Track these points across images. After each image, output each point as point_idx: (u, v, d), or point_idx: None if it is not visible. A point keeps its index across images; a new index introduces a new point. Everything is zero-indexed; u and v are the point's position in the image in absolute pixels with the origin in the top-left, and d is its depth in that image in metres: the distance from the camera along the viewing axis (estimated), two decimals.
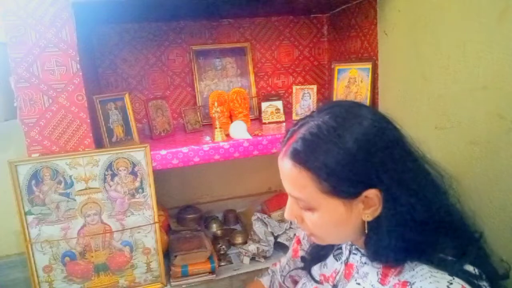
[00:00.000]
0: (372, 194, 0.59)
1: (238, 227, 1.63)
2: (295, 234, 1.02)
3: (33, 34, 1.06)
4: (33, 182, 1.08)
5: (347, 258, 0.73)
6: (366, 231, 0.63)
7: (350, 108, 0.64)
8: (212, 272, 1.24)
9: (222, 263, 1.32)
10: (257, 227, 1.39)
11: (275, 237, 1.38)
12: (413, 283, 0.58)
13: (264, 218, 1.42)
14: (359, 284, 0.68)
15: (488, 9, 0.87)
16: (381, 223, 0.61)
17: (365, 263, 0.68)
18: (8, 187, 1.06)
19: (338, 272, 0.74)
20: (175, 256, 1.25)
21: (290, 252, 1.00)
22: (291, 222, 1.45)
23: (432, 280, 0.56)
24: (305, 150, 0.60)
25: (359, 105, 0.66)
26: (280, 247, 1.37)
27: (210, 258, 1.26)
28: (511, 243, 0.87)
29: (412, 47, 1.15)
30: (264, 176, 1.79)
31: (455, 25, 0.98)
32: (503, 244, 0.88)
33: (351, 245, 0.73)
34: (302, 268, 0.87)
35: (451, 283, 0.55)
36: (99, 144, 1.19)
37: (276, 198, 1.63)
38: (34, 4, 1.05)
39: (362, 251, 0.69)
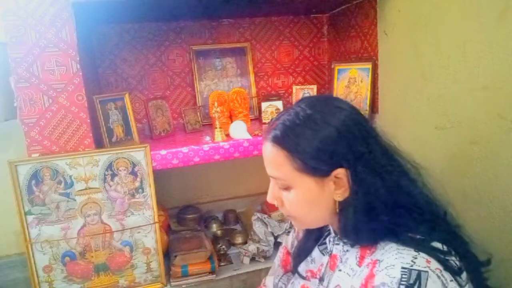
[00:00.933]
0: (341, 174, 0.65)
1: (238, 227, 1.63)
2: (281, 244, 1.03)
3: (33, 34, 1.06)
4: (33, 182, 1.08)
5: (331, 250, 0.76)
6: (337, 210, 0.68)
7: (328, 100, 0.73)
8: (212, 272, 1.25)
9: (222, 263, 1.32)
10: (257, 227, 1.39)
11: (275, 237, 1.38)
12: (382, 260, 0.61)
13: (264, 218, 1.42)
14: (340, 270, 0.71)
15: (488, 9, 0.87)
16: (349, 204, 0.66)
17: (347, 250, 0.71)
18: (8, 187, 1.06)
19: (323, 265, 0.77)
20: (175, 256, 1.25)
21: (277, 264, 0.99)
22: (291, 222, 1.45)
23: (397, 256, 0.59)
24: (282, 132, 0.67)
25: (338, 99, 0.74)
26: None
27: (210, 258, 1.26)
28: (511, 243, 0.87)
29: (412, 47, 1.15)
30: (264, 176, 1.77)
31: (455, 25, 0.98)
32: (503, 244, 0.88)
33: (334, 236, 0.76)
34: (290, 270, 0.88)
35: (416, 258, 0.58)
36: (99, 144, 1.19)
37: None
38: (34, 4, 1.05)
39: (344, 239, 0.72)
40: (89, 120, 1.13)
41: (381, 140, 0.70)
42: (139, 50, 1.55)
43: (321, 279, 0.77)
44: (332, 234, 0.77)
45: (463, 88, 0.96)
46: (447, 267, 0.59)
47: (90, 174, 1.12)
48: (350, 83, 1.44)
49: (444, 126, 1.03)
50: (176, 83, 1.62)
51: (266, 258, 1.34)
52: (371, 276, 0.61)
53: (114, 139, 1.21)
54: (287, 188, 0.69)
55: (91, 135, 1.14)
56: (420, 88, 1.12)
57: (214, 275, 1.25)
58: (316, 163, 0.65)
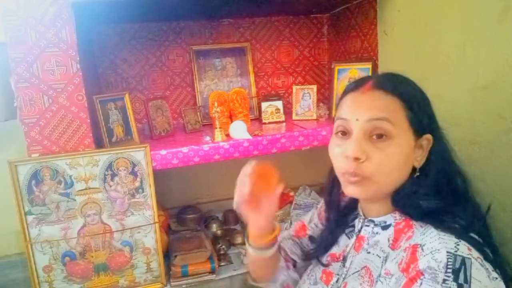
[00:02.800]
0: (428, 140, 0.67)
1: (238, 227, 1.63)
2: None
3: (33, 34, 1.06)
4: (33, 182, 1.08)
5: (359, 231, 0.75)
6: (417, 174, 0.68)
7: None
8: (212, 272, 1.24)
9: (222, 263, 1.32)
10: None
11: None
12: (424, 245, 0.60)
13: None
14: (369, 252, 0.70)
15: (488, 9, 0.87)
16: (423, 173, 0.67)
17: (377, 233, 0.71)
18: (8, 187, 1.06)
19: (348, 246, 0.76)
20: (175, 256, 1.25)
21: (290, 231, 0.99)
22: (291, 222, 1.45)
23: (440, 241, 0.59)
24: (395, 83, 0.69)
25: None
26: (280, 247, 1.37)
27: (210, 258, 1.26)
28: (511, 243, 0.87)
29: (412, 47, 1.15)
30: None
31: (455, 25, 0.98)
32: (503, 244, 0.88)
33: (364, 218, 0.75)
34: (307, 258, 0.87)
35: (458, 244, 0.58)
36: (99, 144, 1.19)
37: None
38: (34, 4, 1.05)
39: (376, 221, 0.72)
40: (89, 120, 1.13)
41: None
42: (139, 50, 1.55)
43: (344, 260, 0.76)
44: (362, 216, 0.76)
45: (463, 88, 0.96)
46: (487, 257, 0.59)
47: (90, 174, 1.12)
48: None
49: (444, 126, 1.03)
50: (176, 83, 1.62)
51: None
52: (413, 260, 0.59)
53: (114, 139, 1.21)
54: (385, 137, 0.65)
55: (91, 135, 1.14)
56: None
57: (214, 275, 1.25)
58: (424, 120, 0.67)
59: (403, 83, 0.70)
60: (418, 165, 0.67)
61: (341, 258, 0.77)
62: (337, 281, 0.74)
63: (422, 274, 0.57)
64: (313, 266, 0.84)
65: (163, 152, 1.18)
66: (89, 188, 1.13)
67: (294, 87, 1.56)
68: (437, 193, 0.66)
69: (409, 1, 1.16)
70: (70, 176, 1.11)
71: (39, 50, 1.07)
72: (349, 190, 0.69)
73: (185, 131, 1.50)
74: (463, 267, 0.55)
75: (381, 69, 1.33)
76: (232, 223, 1.65)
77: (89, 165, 1.12)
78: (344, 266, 0.75)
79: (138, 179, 1.17)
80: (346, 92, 0.73)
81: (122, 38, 1.53)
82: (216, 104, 1.39)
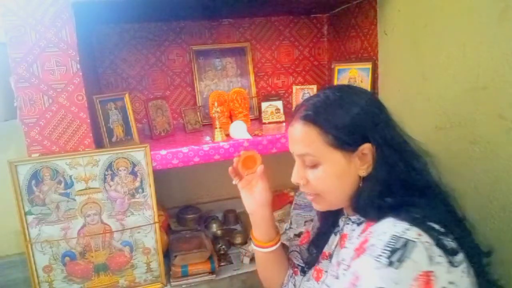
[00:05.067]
0: (367, 149, 0.71)
1: (238, 227, 1.63)
2: (301, 232, 1.08)
3: (33, 34, 1.06)
4: (33, 182, 1.08)
5: (342, 229, 0.80)
6: (360, 184, 0.73)
7: (351, 85, 0.83)
8: (212, 272, 1.24)
9: (222, 263, 1.32)
10: None
11: None
12: (376, 230, 0.66)
13: None
14: (347, 248, 0.76)
15: (488, 9, 0.87)
16: (371, 179, 0.72)
17: (353, 229, 0.76)
18: (8, 187, 1.06)
19: (333, 244, 0.83)
20: (175, 256, 1.25)
21: (297, 242, 1.05)
22: (291, 222, 1.45)
23: (391, 226, 0.64)
24: (315, 111, 0.74)
25: (358, 86, 0.84)
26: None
27: (210, 258, 1.26)
28: (511, 243, 0.87)
29: (412, 47, 1.15)
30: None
31: (455, 25, 0.98)
32: (503, 244, 0.88)
33: (346, 217, 0.81)
34: (309, 264, 0.92)
35: (408, 229, 0.63)
36: (99, 144, 1.19)
37: (276, 198, 1.63)
38: (34, 4, 1.05)
39: (352, 219, 0.78)
40: (89, 120, 1.13)
41: (396, 125, 0.76)
42: (139, 50, 1.55)
43: (330, 257, 0.82)
44: (345, 215, 0.82)
45: (463, 88, 0.96)
46: (438, 243, 0.62)
47: (90, 174, 1.12)
48: (350, 83, 1.44)
49: (444, 126, 1.04)
50: (176, 83, 1.62)
51: None
52: (365, 241, 0.66)
53: (114, 139, 1.21)
54: (315, 165, 0.74)
55: (91, 135, 1.14)
56: (420, 88, 1.12)
57: (214, 275, 1.25)
58: (347, 138, 0.71)
59: (328, 107, 0.74)
60: (364, 173, 0.73)
61: (329, 256, 0.83)
62: (326, 278, 0.81)
63: (365, 250, 0.64)
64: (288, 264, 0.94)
65: (163, 152, 1.18)
66: (89, 188, 1.13)
67: (294, 87, 1.56)
68: (393, 191, 0.70)
69: (409, 1, 1.16)
70: (70, 176, 1.11)
71: (39, 50, 1.07)
72: (314, 206, 0.81)
73: (185, 131, 1.50)
74: (403, 248, 0.60)
75: (381, 69, 1.33)
76: (232, 223, 1.65)
77: (89, 165, 1.12)
78: (330, 262, 0.81)
79: (138, 179, 1.17)
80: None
81: (122, 38, 1.53)
82: (216, 104, 1.39)
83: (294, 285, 0.94)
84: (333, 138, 0.71)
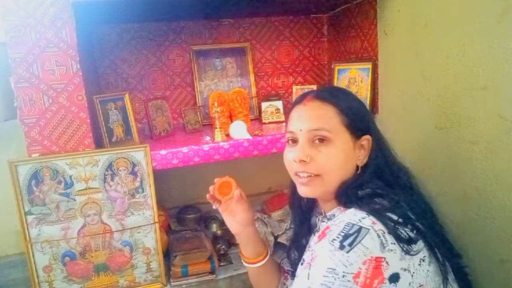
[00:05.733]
0: (367, 139, 0.78)
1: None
2: None
3: (33, 34, 1.06)
4: (33, 182, 1.08)
5: (318, 228, 0.83)
6: (359, 171, 0.78)
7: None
8: (212, 272, 1.24)
9: (222, 263, 1.32)
10: (257, 227, 1.38)
11: (275, 237, 1.38)
12: (338, 219, 0.71)
13: (264, 218, 1.42)
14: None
15: (488, 9, 0.87)
16: (366, 169, 0.78)
17: (325, 222, 0.79)
18: (8, 187, 1.06)
19: (312, 242, 0.84)
20: (175, 256, 1.25)
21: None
22: (291, 222, 1.45)
23: (349, 215, 0.69)
24: (331, 93, 0.80)
25: None
26: (280, 247, 1.37)
27: (210, 258, 1.26)
28: (511, 243, 0.87)
29: (412, 47, 1.15)
30: (264, 176, 1.79)
31: (455, 25, 0.98)
32: (503, 244, 0.88)
33: (323, 216, 0.85)
34: (293, 266, 0.97)
35: (364, 218, 0.67)
36: (99, 144, 1.19)
37: (276, 198, 1.63)
38: (34, 4, 1.05)
39: (328, 215, 0.81)
40: (89, 120, 1.13)
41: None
42: (139, 50, 1.55)
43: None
44: (322, 214, 0.87)
45: (463, 88, 0.96)
46: (391, 231, 0.66)
47: (90, 174, 1.12)
48: (350, 83, 1.44)
49: (444, 126, 1.03)
50: (176, 83, 1.62)
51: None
52: (327, 227, 0.70)
53: (114, 139, 1.21)
54: (324, 142, 0.76)
55: (91, 135, 1.14)
56: (420, 88, 1.12)
57: (214, 275, 1.25)
58: (358, 122, 0.77)
59: (339, 93, 0.81)
60: (360, 163, 0.78)
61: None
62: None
63: (325, 235, 0.68)
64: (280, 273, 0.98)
65: (163, 152, 1.18)
66: (89, 188, 1.13)
67: (294, 87, 1.56)
68: (367, 184, 0.76)
69: (409, 1, 1.16)
70: (70, 176, 1.11)
71: (39, 50, 1.07)
72: (302, 190, 0.81)
73: (185, 131, 1.50)
74: (356, 234, 0.65)
75: (381, 69, 1.33)
76: None
77: (89, 165, 1.12)
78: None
79: (138, 179, 1.17)
80: (293, 105, 0.85)
81: (122, 38, 1.53)
82: (216, 104, 1.39)
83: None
84: (348, 120, 0.76)
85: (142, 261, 1.20)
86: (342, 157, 0.76)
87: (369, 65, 1.37)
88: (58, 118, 1.11)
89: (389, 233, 0.65)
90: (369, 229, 0.65)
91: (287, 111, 1.58)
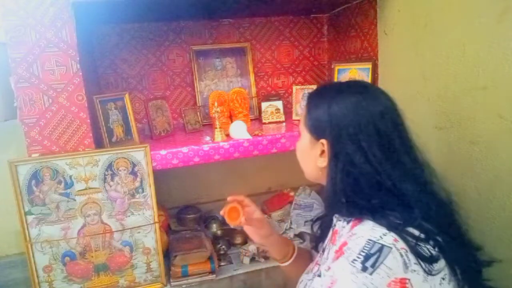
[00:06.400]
0: (323, 144, 0.76)
1: (238, 227, 1.62)
2: (301, 232, 1.12)
3: (33, 34, 1.06)
4: (33, 182, 1.08)
5: (335, 225, 0.81)
6: (326, 176, 0.77)
7: (364, 88, 0.80)
8: (212, 272, 1.24)
9: (222, 263, 1.32)
10: None
11: None
12: (356, 233, 0.68)
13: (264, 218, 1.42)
14: (335, 245, 0.76)
15: (488, 9, 0.87)
16: (328, 174, 0.76)
17: (343, 227, 0.76)
18: (8, 187, 1.06)
19: (328, 238, 0.85)
20: (175, 256, 1.25)
21: None
22: (291, 222, 1.45)
23: (369, 230, 0.66)
24: (314, 93, 0.84)
25: (374, 87, 0.83)
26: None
27: (210, 258, 1.26)
28: (511, 243, 0.87)
29: (412, 47, 1.15)
30: (264, 176, 1.79)
31: (455, 25, 0.98)
32: (503, 244, 0.88)
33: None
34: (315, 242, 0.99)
35: (385, 235, 0.64)
36: (99, 144, 1.19)
37: (276, 198, 1.63)
38: (34, 4, 1.05)
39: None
40: (89, 120, 1.13)
41: (387, 135, 0.73)
42: (139, 50, 1.55)
43: (323, 251, 0.84)
44: None
45: (463, 88, 0.96)
46: (413, 250, 0.63)
47: (90, 174, 1.12)
48: None
49: (444, 126, 1.04)
50: (176, 83, 1.62)
51: (266, 258, 1.34)
52: (344, 244, 0.68)
53: (114, 139, 1.21)
54: (299, 135, 0.84)
55: (91, 135, 1.14)
56: (420, 88, 1.12)
57: (214, 275, 1.25)
58: (312, 126, 0.79)
59: (319, 94, 0.82)
60: (319, 164, 0.78)
61: (323, 250, 0.86)
62: (317, 270, 0.83)
63: (343, 253, 0.66)
64: (312, 263, 0.93)
65: (163, 152, 1.18)
66: (89, 188, 1.13)
67: (294, 87, 1.56)
68: (363, 193, 0.72)
69: (409, 1, 1.16)
70: (70, 176, 1.11)
71: (39, 50, 1.07)
72: None
73: (185, 131, 1.50)
74: (378, 253, 0.62)
75: (381, 69, 1.33)
76: None
77: (89, 165, 1.12)
78: (323, 255, 0.83)
79: (138, 179, 1.17)
80: None
81: (122, 38, 1.53)
82: (216, 104, 1.39)
83: None
84: (308, 121, 0.80)
85: (142, 261, 1.20)
86: (300, 151, 0.85)
87: (369, 65, 1.37)
88: (58, 118, 1.11)
89: (411, 251, 0.63)
90: (391, 247, 0.62)
91: (287, 111, 1.59)
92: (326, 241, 0.85)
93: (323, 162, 0.77)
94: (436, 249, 0.65)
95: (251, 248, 1.34)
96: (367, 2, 1.37)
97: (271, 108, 1.55)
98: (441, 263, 0.65)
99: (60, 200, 1.11)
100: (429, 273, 0.62)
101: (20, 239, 1.11)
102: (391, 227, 0.65)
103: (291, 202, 1.55)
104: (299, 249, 1.02)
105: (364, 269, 0.61)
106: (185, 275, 1.23)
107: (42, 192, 1.09)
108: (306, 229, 1.37)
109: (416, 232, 0.65)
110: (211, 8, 1.39)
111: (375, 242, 0.63)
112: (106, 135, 1.18)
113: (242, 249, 1.35)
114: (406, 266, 0.61)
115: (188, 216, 1.55)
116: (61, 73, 1.10)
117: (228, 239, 1.47)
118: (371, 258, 0.62)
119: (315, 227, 0.98)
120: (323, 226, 0.93)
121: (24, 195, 1.08)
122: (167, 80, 1.61)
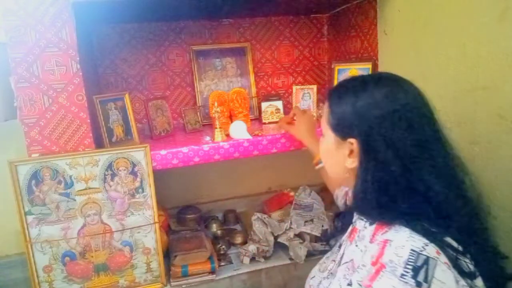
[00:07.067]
0: (351, 142, 0.71)
1: (238, 227, 1.63)
2: (301, 232, 1.12)
3: (33, 34, 1.06)
4: (33, 182, 1.08)
5: (355, 222, 0.79)
6: (356, 177, 0.72)
7: (392, 80, 0.74)
8: (212, 272, 1.24)
9: (222, 263, 1.32)
10: (257, 227, 1.39)
11: (275, 237, 1.38)
12: (392, 240, 0.62)
13: (264, 218, 1.42)
14: (357, 246, 0.74)
15: (488, 9, 0.87)
16: (358, 175, 0.71)
17: (365, 227, 0.73)
18: (8, 187, 1.06)
19: (345, 235, 0.83)
20: (175, 256, 1.25)
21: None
22: (291, 222, 1.45)
23: (409, 239, 0.60)
24: (335, 90, 0.77)
25: (403, 80, 0.75)
26: (280, 247, 1.37)
27: (210, 258, 1.26)
28: (511, 243, 0.87)
29: (412, 47, 1.15)
30: (264, 176, 1.79)
31: (455, 25, 0.98)
32: (503, 244, 0.88)
33: None
34: (332, 234, 1.00)
35: (427, 245, 0.59)
36: (99, 144, 1.19)
37: (276, 198, 1.63)
38: (34, 4, 1.05)
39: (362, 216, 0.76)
40: (89, 120, 1.13)
41: (420, 129, 0.68)
42: (139, 50, 1.55)
43: (340, 246, 0.83)
44: None
45: (463, 88, 0.96)
46: (456, 265, 0.59)
47: (90, 174, 1.12)
48: None
49: (444, 126, 1.03)
50: (176, 83, 1.62)
51: (266, 258, 1.34)
52: (381, 254, 0.62)
53: (114, 139, 1.21)
54: (323, 134, 0.81)
55: (91, 135, 1.14)
56: (420, 88, 1.12)
57: (214, 275, 1.25)
58: (337, 125, 0.74)
59: (341, 90, 0.75)
60: (348, 165, 0.73)
61: (339, 246, 0.84)
62: (332, 267, 0.81)
63: (384, 267, 0.60)
64: (327, 256, 0.90)
65: (163, 152, 1.18)
66: (89, 188, 1.13)
67: (294, 87, 1.56)
68: (395, 195, 0.66)
69: (409, 1, 1.16)
70: (70, 176, 1.11)
71: (39, 50, 1.07)
72: None
73: (185, 131, 1.50)
74: (425, 266, 0.57)
75: (381, 69, 1.33)
76: (232, 223, 1.65)
77: (89, 165, 1.12)
78: (339, 251, 0.82)
79: (138, 179, 1.17)
80: None
81: (122, 38, 1.53)
82: (216, 104, 1.39)
83: None
84: (331, 119, 0.76)
85: (142, 261, 1.20)
86: (325, 152, 0.81)
87: (369, 65, 1.37)
88: (58, 118, 1.11)
89: (454, 267, 0.59)
90: (436, 260, 0.58)
91: (287, 111, 1.59)
92: (343, 237, 0.82)
93: (353, 162, 0.72)
94: (473, 263, 0.62)
95: (251, 248, 1.34)
96: (367, 2, 1.37)
97: (271, 108, 1.55)
98: (479, 280, 0.61)
99: (60, 200, 1.11)
100: None
101: (20, 239, 1.11)
102: (429, 236, 0.60)
103: (291, 202, 1.55)
104: None
105: (418, 284, 0.56)
106: (185, 275, 1.23)
107: (42, 192, 1.09)
108: (306, 229, 1.37)
109: (454, 244, 0.61)
110: (211, 8, 1.39)
111: (419, 254, 0.58)
112: (106, 135, 1.18)
113: (242, 249, 1.35)
114: (456, 280, 0.57)
115: (188, 216, 1.55)
116: (61, 73, 1.10)
117: (228, 239, 1.47)
118: (420, 272, 0.57)
119: (337, 223, 0.93)
120: (344, 221, 0.88)
121: (24, 195, 1.08)
122: (167, 80, 1.61)
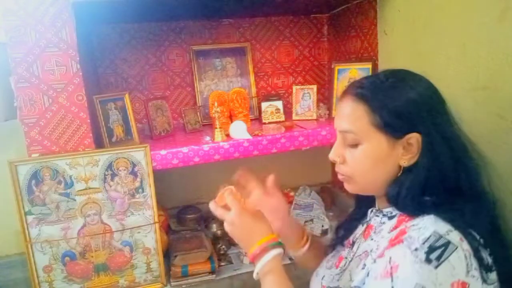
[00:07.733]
0: (414, 139, 0.66)
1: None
2: None
3: (33, 34, 1.06)
4: (33, 182, 1.08)
5: (369, 220, 0.78)
6: (399, 175, 0.69)
7: (412, 72, 0.73)
8: (212, 272, 1.25)
9: (222, 263, 1.32)
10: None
11: None
12: (417, 224, 0.62)
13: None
14: (372, 239, 0.73)
15: (488, 9, 0.87)
16: (413, 170, 0.67)
17: (383, 222, 0.72)
18: (8, 187, 1.06)
19: (358, 233, 0.81)
20: (175, 256, 1.25)
21: None
22: None
23: (434, 224, 0.60)
24: (368, 89, 0.70)
25: (419, 74, 0.74)
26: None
27: (210, 258, 1.26)
28: (511, 243, 0.86)
29: (412, 47, 1.15)
30: (264, 176, 1.79)
31: (455, 25, 0.98)
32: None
33: (377, 209, 0.78)
34: (333, 247, 0.91)
35: (451, 231, 0.59)
36: (99, 144, 1.19)
37: None
38: (34, 4, 1.05)
39: (384, 211, 0.74)
40: (89, 120, 1.13)
41: (454, 118, 0.70)
42: (139, 50, 1.55)
43: (352, 244, 0.80)
44: (376, 207, 0.78)
45: (463, 88, 0.96)
46: (476, 254, 0.59)
47: (90, 174, 1.12)
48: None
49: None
50: (176, 83, 1.62)
51: None
52: (402, 232, 0.62)
53: (114, 139, 1.21)
54: (355, 144, 0.70)
55: (91, 135, 1.14)
56: None
57: (214, 275, 1.25)
58: (395, 122, 0.66)
59: (380, 88, 0.69)
60: (405, 163, 0.68)
61: (352, 244, 0.82)
62: (344, 264, 0.79)
63: (402, 241, 0.60)
64: (333, 255, 0.89)
65: (163, 152, 1.18)
66: (89, 188, 1.13)
67: (294, 87, 1.56)
68: (435, 189, 0.66)
69: (409, 1, 1.16)
70: (70, 176, 1.11)
71: (39, 50, 1.07)
72: (344, 186, 0.77)
73: (185, 131, 1.50)
74: (443, 248, 0.57)
75: (381, 69, 1.33)
76: None
77: (89, 165, 1.12)
78: (351, 250, 0.79)
79: (138, 179, 1.17)
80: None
81: (122, 38, 1.53)
82: (216, 104, 1.39)
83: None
84: (380, 119, 0.67)
85: (142, 261, 1.20)
86: (371, 160, 0.69)
87: (369, 65, 1.37)
88: (58, 118, 1.11)
89: (475, 255, 0.58)
90: (457, 246, 0.57)
91: (287, 111, 1.59)
92: (357, 235, 0.81)
93: (409, 159, 0.67)
94: (491, 258, 0.62)
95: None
96: (367, 2, 1.37)
97: (271, 108, 1.55)
98: (494, 274, 0.61)
99: (60, 200, 1.11)
100: (484, 281, 0.59)
101: (20, 239, 1.11)
102: (456, 225, 0.60)
103: (291, 202, 1.55)
104: (313, 236, 0.96)
105: (428, 261, 0.56)
106: (185, 275, 1.23)
107: (42, 192, 1.09)
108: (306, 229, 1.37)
109: (477, 236, 0.61)
110: (211, 8, 1.39)
111: (441, 236, 0.58)
112: (106, 135, 1.18)
113: (242, 249, 1.35)
114: (467, 269, 0.57)
115: (188, 216, 1.55)
116: (61, 73, 1.10)
117: (228, 239, 1.47)
118: (436, 251, 0.56)
119: (339, 233, 0.91)
120: (353, 219, 0.87)
121: (24, 195, 1.08)
122: (167, 80, 1.61)
